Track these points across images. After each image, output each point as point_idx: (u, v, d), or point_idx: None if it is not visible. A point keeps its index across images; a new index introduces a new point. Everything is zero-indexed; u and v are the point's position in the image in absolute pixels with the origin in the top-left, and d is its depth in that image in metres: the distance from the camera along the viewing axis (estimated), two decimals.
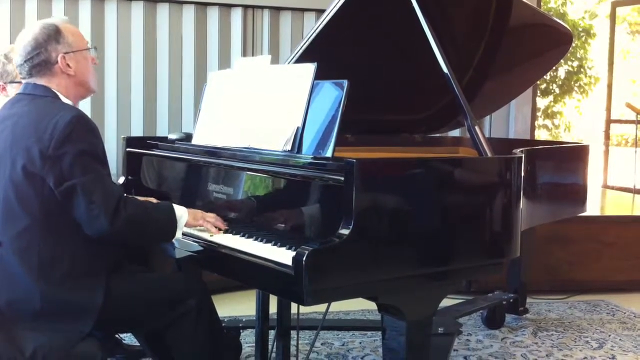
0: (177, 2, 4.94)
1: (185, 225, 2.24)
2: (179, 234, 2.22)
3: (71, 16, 4.67)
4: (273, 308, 2.84)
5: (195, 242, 2.25)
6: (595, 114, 11.92)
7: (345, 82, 2.16)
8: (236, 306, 3.83)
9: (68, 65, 2.21)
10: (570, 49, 3.68)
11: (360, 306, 4.01)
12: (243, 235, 2.21)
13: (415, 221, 2.02)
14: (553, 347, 3.58)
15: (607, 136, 8.60)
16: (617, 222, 4.76)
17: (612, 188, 7.71)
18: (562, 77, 12.18)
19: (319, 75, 2.26)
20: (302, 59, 2.68)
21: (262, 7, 5.09)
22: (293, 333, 2.91)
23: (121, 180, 2.89)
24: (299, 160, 2.16)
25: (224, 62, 4.98)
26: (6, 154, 2.09)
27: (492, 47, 3.28)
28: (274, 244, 2.06)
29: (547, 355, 3.45)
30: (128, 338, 3.30)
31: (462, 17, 3.15)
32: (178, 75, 5.00)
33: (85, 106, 4.61)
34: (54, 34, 2.20)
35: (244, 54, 5.04)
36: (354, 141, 3.20)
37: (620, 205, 6.13)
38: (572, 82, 12.25)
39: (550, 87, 12.17)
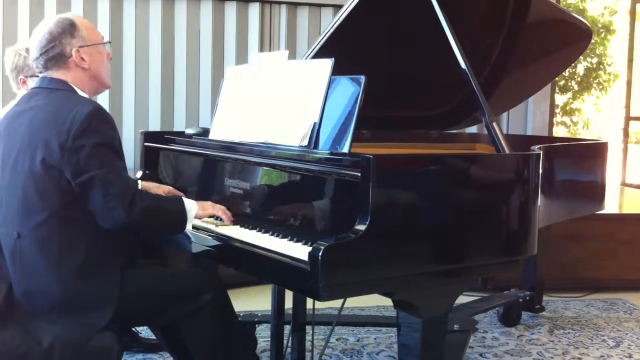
0: None
1: (195, 217, 2.26)
2: (189, 226, 2.24)
3: (90, 12, 4.70)
4: (288, 303, 2.84)
5: (211, 236, 2.26)
6: (614, 111, 11.81)
7: (363, 78, 2.16)
8: (252, 301, 3.84)
9: (82, 58, 2.23)
10: (590, 45, 3.65)
11: (375, 302, 4.01)
12: (259, 230, 2.21)
13: (431, 217, 2.01)
14: (569, 345, 3.56)
15: (626, 133, 8.53)
16: (634, 220, 4.72)
17: (630, 186, 7.65)
18: (581, 73, 12.08)
19: (336, 71, 2.26)
20: (320, 54, 2.67)
21: (279, 3, 5.09)
22: (308, 328, 2.91)
23: (139, 174, 2.90)
24: (315, 156, 2.16)
25: (241, 57, 4.99)
26: (25, 148, 2.11)
27: (510, 42, 3.26)
28: (290, 239, 2.07)
29: (563, 354, 3.44)
30: (144, 332, 3.31)
31: (480, 13, 3.13)
32: (195, 70, 5.02)
33: (103, 101, 4.64)
34: (68, 28, 2.22)
35: (261, 49, 5.04)
36: (370, 137, 3.19)
37: (638, 203, 6.08)
38: (591, 79, 12.15)
39: (569, 84, 12.08)
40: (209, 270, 2.50)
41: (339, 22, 2.68)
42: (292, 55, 2.56)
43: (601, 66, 12.08)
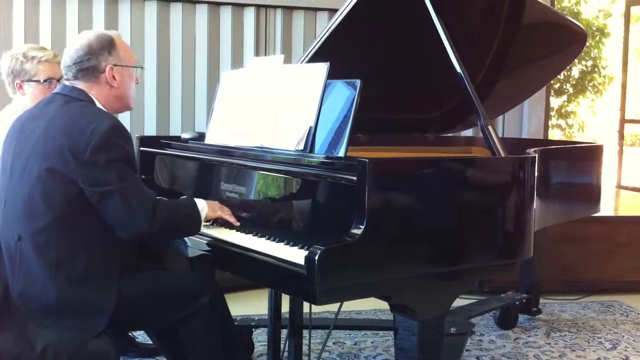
0: (190, 2, 4.95)
1: (205, 218, 2.27)
2: (202, 228, 2.27)
3: (85, 16, 4.70)
4: (285, 307, 2.84)
5: (208, 240, 2.27)
6: (609, 113, 11.85)
7: (358, 82, 2.16)
8: (248, 305, 3.83)
9: (114, 77, 2.27)
10: (584, 48, 3.66)
11: (372, 306, 4.01)
12: (255, 235, 2.21)
13: (427, 221, 2.01)
14: (566, 347, 3.57)
15: (621, 136, 8.55)
16: (630, 222, 4.72)
17: (626, 188, 7.66)
18: (576, 76, 12.12)
19: (332, 75, 2.26)
20: (315, 58, 2.68)
21: (274, 7, 5.09)
22: (305, 332, 2.91)
23: None
24: (311, 160, 2.16)
25: (237, 61, 4.99)
26: (38, 152, 2.12)
27: (505, 46, 3.27)
28: (287, 243, 2.07)
29: (560, 356, 3.44)
30: (141, 336, 3.31)
31: (475, 16, 3.14)
32: (191, 74, 5.01)
33: None
34: (107, 45, 2.26)
35: (257, 53, 5.05)
36: (366, 141, 3.19)
37: (634, 206, 6.09)
38: (586, 82, 12.19)
39: (564, 87, 12.11)
40: (206, 274, 2.50)
41: (334, 26, 2.69)
42: (288, 60, 2.57)
43: (596, 69, 12.12)
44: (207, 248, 2.28)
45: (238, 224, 2.33)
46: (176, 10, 4.95)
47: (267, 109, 2.45)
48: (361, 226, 1.86)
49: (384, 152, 3.05)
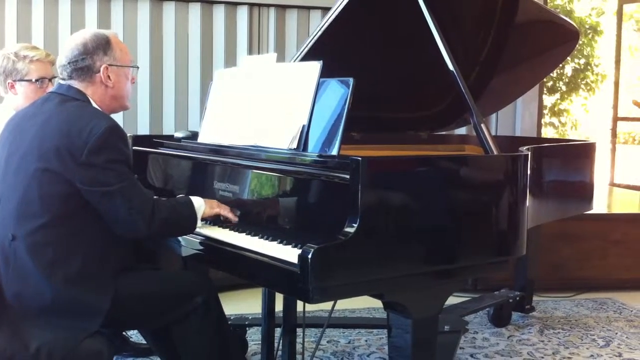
0: (183, 0, 4.94)
1: (202, 216, 2.28)
2: (199, 225, 2.27)
3: (77, 15, 4.68)
4: (279, 306, 2.84)
5: (201, 240, 2.26)
6: (602, 111, 11.88)
7: (351, 80, 2.16)
8: (242, 304, 3.83)
9: (109, 77, 2.26)
10: (577, 46, 3.67)
11: (366, 304, 4.01)
12: (249, 233, 2.21)
13: (421, 219, 2.02)
14: (559, 345, 3.58)
15: (614, 134, 8.57)
16: (623, 220, 4.75)
17: (619, 186, 7.69)
18: (569, 74, 12.15)
19: (325, 73, 2.26)
20: (308, 56, 2.68)
21: (268, 5, 5.08)
22: (299, 331, 2.91)
23: None
24: (304, 159, 2.16)
25: (230, 60, 4.98)
26: (33, 151, 2.11)
27: (498, 44, 3.27)
28: (280, 242, 2.07)
29: (553, 353, 3.45)
30: (135, 336, 3.30)
31: (469, 15, 3.14)
32: (184, 73, 5.01)
33: None
34: (103, 44, 2.26)
35: (250, 52, 5.04)
36: (359, 139, 3.20)
37: (626, 203, 6.11)
38: (579, 80, 12.23)
39: (557, 85, 12.15)
40: (200, 274, 2.50)
41: (327, 24, 2.69)
42: (281, 58, 2.57)
43: (589, 67, 12.15)
44: (201, 247, 2.28)
45: (237, 219, 2.33)
46: (169, 8, 4.94)
47: (260, 107, 2.45)
48: (354, 224, 1.86)
49: (377, 151, 3.05)
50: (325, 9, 4.85)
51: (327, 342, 3.50)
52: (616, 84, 8.47)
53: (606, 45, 11.84)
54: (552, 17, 3.42)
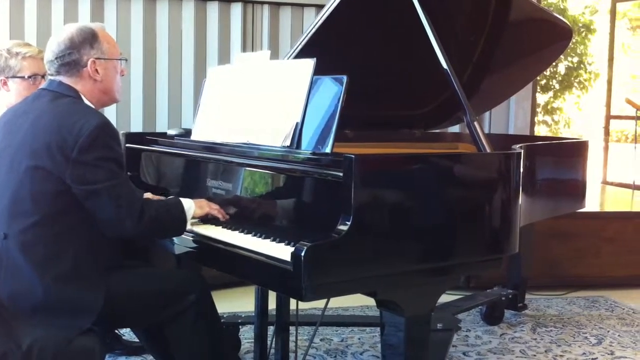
0: None
1: (192, 216, 2.26)
2: (188, 227, 2.26)
3: (71, 12, 4.66)
4: (272, 304, 2.84)
5: (194, 238, 2.26)
6: (595, 109, 11.92)
7: (345, 78, 2.16)
8: (235, 302, 3.83)
9: (97, 70, 2.24)
10: (570, 44, 3.68)
11: (359, 302, 4.01)
12: (242, 231, 2.21)
13: (414, 217, 2.02)
14: (552, 343, 3.59)
15: (607, 132, 8.60)
16: (616, 218, 4.76)
17: (612, 184, 7.71)
18: (562, 72, 12.18)
19: (318, 71, 2.26)
20: (302, 54, 2.67)
21: (261, 3, 5.08)
22: (292, 329, 2.91)
23: None
24: (298, 156, 2.16)
25: (224, 57, 4.97)
26: (25, 148, 2.10)
27: (491, 42, 3.28)
28: (273, 240, 2.07)
29: (545, 351, 3.46)
30: (127, 334, 3.30)
31: (462, 12, 3.14)
32: (177, 70, 4.99)
33: None
34: (89, 38, 2.23)
35: (244, 49, 5.03)
36: (353, 137, 3.19)
37: (619, 201, 6.13)
38: (572, 78, 12.25)
39: (550, 83, 12.17)
40: (193, 272, 2.49)
41: (321, 22, 2.68)
42: (275, 55, 2.56)
43: (582, 65, 12.18)
44: (194, 245, 2.27)
45: (227, 217, 2.32)
46: (162, 6, 4.93)
47: (253, 105, 2.45)
48: (347, 222, 1.86)
49: (370, 148, 3.05)
50: (319, 7, 4.85)
51: (320, 340, 3.50)
52: (609, 82, 8.49)
53: (599, 43, 11.86)
54: (546, 15, 3.43)
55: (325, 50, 2.47)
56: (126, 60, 2.41)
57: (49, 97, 2.19)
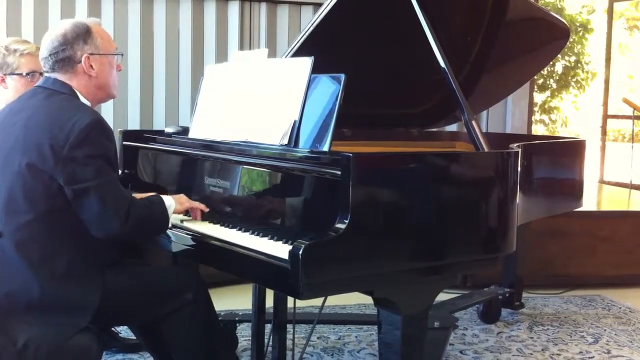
0: None
1: (174, 212, 2.26)
2: (170, 224, 2.25)
3: (67, 11, 4.66)
4: (269, 302, 2.84)
5: (192, 235, 2.26)
6: (592, 109, 11.92)
7: (343, 76, 2.16)
8: (232, 300, 3.82)
9: (91, 66, 2.22)
10: (568, 44, 3.68)
11: (356, 300, 4.02)
12: (240, 229, 2.21)
13: (411, 216, 2.02)
14: (548, 341, 3.59)
15: (604, 131, 8.61)
16: (613, 217, 4.77)
17: (609, 183, 7.72)
18: (559, 72, 12.17)
19: (316, 69, 2.26)
20: (299, 52, 2.67)
21: (259, 1, 5.08)
22: (289, 327, 2.91)
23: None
24: (295, 154, 2.16)
25: (221, 55, 4.97)
26: (18, 147, 2.09)
27: (489, 41, 3.28)
28: (271, 238, 2.07)
29: (542, 350, 3.46)
30: (124, 331, 3.29)
31: (460, 11, 3.14)
32: (175, 68, 4.99)
33: None
34: (83, 34, 2.21)
35: (241, 47, 5.03)
36: (350, 135, 3.20)
37: (616, 200, 6.14)
38: (569, 77, 12.24)
39: (548, 82, 12.16)
40: (190, 269, 2.49)
41: (318, 20, 2.68)
42: (272, 54, 2.56)
43: (579, 64, 12.17)
44: (191, 243, 2.27)
45: (207, 209, 2.33)
46: (160, 3, 4.92)
47: (251, 103, 2.44)
48: (345, 221, 1.86)
49: (368, 147, 3.05)
50: (317, 5, 4.86)
51: (317, 338, 3.50)
52: (606, 81, 8.50)
53: (596, 43, 11.85)
54: (543, 14, 3.43)
55: (323, 48, 2.47)
56: (122, 55, 2.39)
57: (43, 95, 2.18)
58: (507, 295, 3.85)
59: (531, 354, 3.41)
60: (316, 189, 2.06)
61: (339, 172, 1.90)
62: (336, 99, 2.15)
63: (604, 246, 4.63)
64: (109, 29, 4.78)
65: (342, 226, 1.85)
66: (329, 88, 2.20)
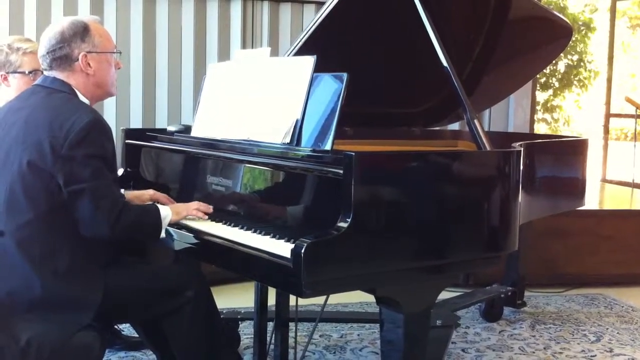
0: None
1: (170, 222, 2.25)
2: (162, 234, 2.24)
3: (70, 11, 4.66)
4: (271, 300, 2.84)
5: (194, 234, 2.26)
6: (594, 108, 11.90)
7: (345, 75, 2.16)
8: (235, 298, 3.83)
9: (89, 64, 2.21)
10: (570, 42, 3.68)
11: (358, 299, 4.02)
12: (242, 228, 2.21)
13: (413, 214, 2.02)
14: (551, 340, 3.59)
15: (607, 130, 8.61)
16: (615, 216, 4.77)
17: (611, 182, 7.71)
18: (562, 70, 12.17)
19: (319, 68, 2.26)
20: (302, 51, 2.67)
21: (261, 0, 5.08)
22: (291, 325, 2.91)
23: (120, 172, 2.89)
24: (297, 153, 2.16)
25: (224, 54, 4.97)
26: (18, 145, 2.09)
27: (491, 40, 3.28)
28: (273, 236, 2.07)
29: (544, 348, 3.46)
30: (127, 329, 3.30)
31: (462, 10, 3.14)
32: (177, 67, 4.99)
33: None
34: (81, 32, 2.21)
35: (244, 46, 5.03)
36: (353, 134, 3.20)
37: (618, 199, 6.14)
38: (572, 76, 12.24)
39: (550, 81, 12.16)
40: (191, 267, 2.50)
41: (321, 19, 2.69)
42: (275, 52, 2.56)
43: (582, 63, 12.16)
44: (194, 241, 2.27)
45: (206, 217, 2.32)
46: (162, 2, 4.92)
47: (253, 101, 2.45)
48: (347, 219, 1.86)
49: (370, 146, 3.05)
50: (319, 4, 4.85)
51: (320, 336, 3.50)
52: (609, 80, 8.49)
53: (599, 42, 11.84)
54: (546, 13, 3.43)
55: (325, 47, 2.48)
56: (120, 53, 2.38)
57: (43, 93, 2.18)
58: (509, 293, 3.85)
59: (533, 352, 3.41)
60: (318, 188, 2.06)
61: (342, 171, 1.90)
62: (338, 98, 2.15)
63: (607, 245, 4.63)
64: (111, 28, 4.79)
65: (345, 225, 1.85)
66: (331, 87, 2.20)
